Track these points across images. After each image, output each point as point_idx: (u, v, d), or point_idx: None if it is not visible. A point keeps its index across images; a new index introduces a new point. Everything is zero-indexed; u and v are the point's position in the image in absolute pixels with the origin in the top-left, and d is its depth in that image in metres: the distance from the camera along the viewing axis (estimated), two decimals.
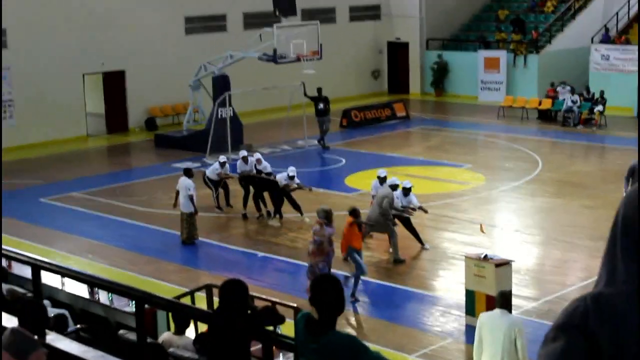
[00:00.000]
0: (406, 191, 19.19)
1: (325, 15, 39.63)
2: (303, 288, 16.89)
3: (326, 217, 15.89)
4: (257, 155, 22.78)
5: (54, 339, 7.45)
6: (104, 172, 28.67)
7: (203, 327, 9.77)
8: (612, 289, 2.72)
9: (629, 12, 39.11)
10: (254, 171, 22.42)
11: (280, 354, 10.37)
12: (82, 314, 10.60)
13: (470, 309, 14.91)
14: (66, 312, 9.78)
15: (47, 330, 7.29)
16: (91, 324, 10.13)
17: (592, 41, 37.67)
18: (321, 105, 30.45)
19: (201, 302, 12.99)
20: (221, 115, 29.65)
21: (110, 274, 17.15)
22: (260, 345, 7.14)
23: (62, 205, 23.90)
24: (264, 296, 13.00)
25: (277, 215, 21.74)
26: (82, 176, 27.50)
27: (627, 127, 33.05)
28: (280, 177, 21.58)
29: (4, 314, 7.36)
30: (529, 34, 39.97)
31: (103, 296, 11.89)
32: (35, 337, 6.65)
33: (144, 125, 35.34)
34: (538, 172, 26.29)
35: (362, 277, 16.85)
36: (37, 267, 8.75)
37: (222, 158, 23.35)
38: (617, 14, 38.76)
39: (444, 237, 20.00)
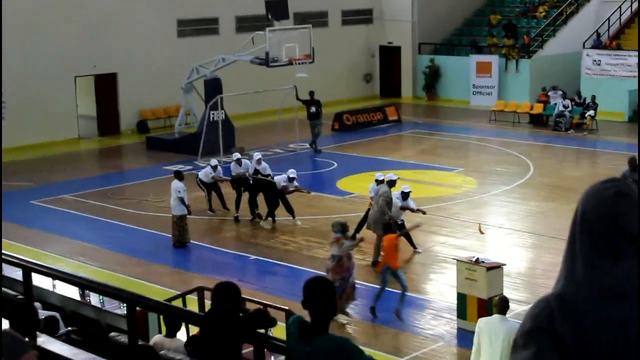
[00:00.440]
0: (405, 195, 19.19)
1: (318, 19, 39.65)
2: (295, 291, 16.89)
3: (342, 230, 15.50)
4: (258, 155, 22.53)
5: (45, 341, 7.44)
6: (95, 174, 28.63)
7: (194, 330, 9.76)
8: (572, 286, 2.72)
9: (620, 17, 39.22)
10: (250, 171, 22.21)
11: (272, 357, 10.35)
12: (73, 316, 10.57)
13: (462, 313, 14.93)
14: (57, 315, 9.75)
15: (38, 333, 7.27)
16: (82, 327, 10.11)
17: (583, 46, 37.76)
18: (313, 109, 30.46)
19: (192, 305, 12.98)
20: (213, 118, 29.64)
21: (101, 276, 17.11)
22: (251, 348, 7.13)
23: (54, 208, 23.85)
24: (255, 299, 12.99)
25: (270, 218, 21.70)
26: (73, 178, 27.46)
27: (618, 132, 33.13)
28: (279, 179, 21.47)
29: None
30: (520, 38, 40.04)
31: (94, 298, 11.88)
32: (26, 339, 6.63)
33: (136, 127, 35.31)
34: (529, 176, 26.34)
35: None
36: (28, 270, 8.72)
37: (214, 162, 23.32)
38: (608, 19, 38.87)
39: (436, 241, 20.01)
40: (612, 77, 36.24)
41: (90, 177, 27.84)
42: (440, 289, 17.19)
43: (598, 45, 37.65)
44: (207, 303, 11.59)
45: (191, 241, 20.31)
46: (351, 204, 23.48)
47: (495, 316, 11.10)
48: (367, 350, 5.28)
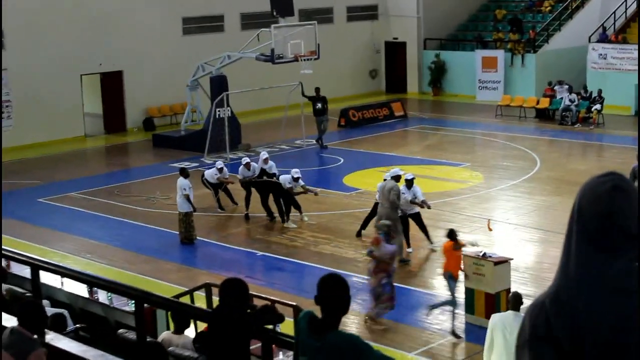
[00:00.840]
0: (409, 183, 19.10)
1: (323, 16, 39.64)
2: (302, 287, 16.91)
3: (388, 233, 15.14)
4: (265, 155, 22.43)
5: (54, 339, 7.46)
6: (101, 172, 28.67)
7: (202, 327, 9.77)
8: (567, 281, 2.71)
9: (626, 11, 39.13)
10: (257, 171, 22.12)
11: (280, 353, 10.37)
12: (81, 313, 10.59)
13: (470, 308, 14.93)
14: (65, 312, 9.77)
15: (46, 330, 7.29)
16: (91, 324, 10.13)
17: (589, 40, 37.69)
18: (319, 105, 30.45)
19: (200, 301, 13.00)
20: (219, 115, 29.66)
21: (109, 274, 17.14)
22: (259, 344, 7.14)
23: (60, 205, 23.89)
24: (263, 295, 13.00)
25: (300, 214, 21.49)
26: (80, 176, 27.50)
27: (624, 126, 33.07)
28: (284, 180, 21.32)
29: (3, 314, 7.36)
30: (526, 33, 39.97)
31: (102, 296, 11.91)
32: (35, 336, 6.65)
33: (142, 125, 35.35)
34: (536, 171, 26.30)
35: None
36: (36, 267, 8.75)
37: (219, 164, 23.09)
38: (614, 13, 38.78)
39: (443, 236, 19.96)
40: (618, 71, 36.15)
41: (96, 175, 27.88)
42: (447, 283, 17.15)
43: (604, 39, 37.57)
44: (215, 299, 11.61)
45: (198, 238, 20.33)
46: (358, 200, 23.48)
47: (509, 312, 11.08)
48: (376, 346, 5.29)
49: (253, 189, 22.08)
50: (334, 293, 5.22)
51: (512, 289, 14.69)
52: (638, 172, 18.72)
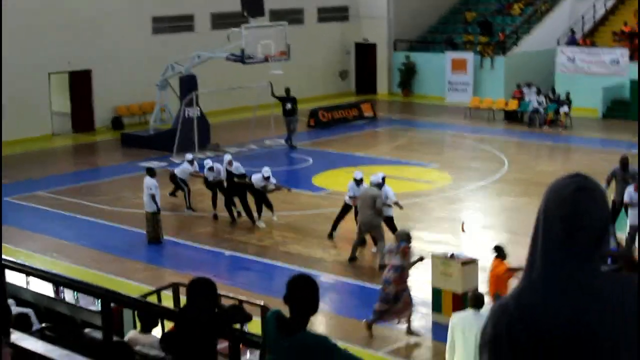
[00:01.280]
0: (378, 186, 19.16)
1: (294, 16, 39.63)
2: (270, 287, 16.89)
3: (408, 239, 14.84)
4: (228, 157, 21.94)
5: (19, 338, 7.39)
6: (69, 171, 28.51)
7: (170, 326, 9.73)
8: (530, 282, 2.71)
9: (594, 15, 39.46)
10: (223, 174, 21.79)
11: (248, 352, 10.35)
12: (47, 312, 10.51)
13: (437, 307, 15.00)
14: (30, 311, 9.70)
15: (11, 330, 7.23)
16: (56, 323, 10.05)
17: (558, 43, 37.97)
18: (289, 105, 30.44)
19: (167, 301, 12.94)
20: (188, 114, 29.58)
21: (75, 273, 17.03)
22: (227, 344, 7.13)
23: (28, 205, 23.71)
24: (231, 294, 12.96)
25: (272, 213, 21.45)
26: (47, 175, 27.32)
27: (592, 128, 33.36)
28: (256, 179, 21.18)
29: None
30: (496, 35, 40.21)
31: (68, 295, 11.82)
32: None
33: (111, 124, 35.17)
34: (504, 172, 26.45)
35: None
36: (1, 266, 8.67)
37: (189, 156, 23.18)
38: (582, 16, 39.10)
39: (412, 236, 19.99)
40: (587, 74, 36.43)
41: (64, 174, 27.71)
42: (415, 283, 17.20)
43: (572, 42, 37.86)
44: (182, 299, 11.56)
45: (166, 237, 20.25)
46: (327, 200, 23.50)
47: (469, 311, 11.12)
48: (343, 345, 5.29)
49: (217, 189, 21.97)
50: (303, 293, 5.22)
51: (480, 290, 14.76)
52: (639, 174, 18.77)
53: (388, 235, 18.76)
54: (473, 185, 25.07)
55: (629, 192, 18.03)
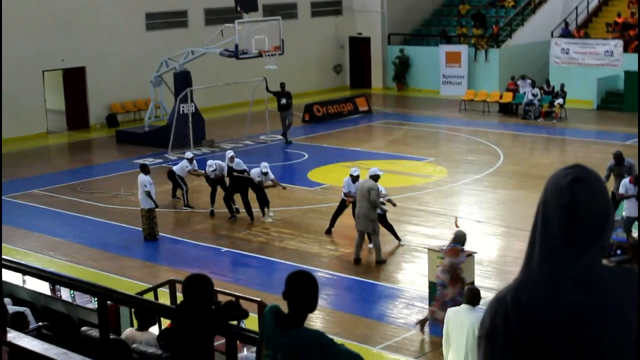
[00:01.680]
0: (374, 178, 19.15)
1: (287, 11, 39.59)
2: (267, 282, 16.91)
3: (463, 243, 14.43)
4: (230, 153, 21.98)
5: (15, 337, 7.38)
6: (65, 169, 28.48)
7: (167, 323, 9.73)
8: (528, 274, 2.70)
9: (588, 6, 39.47)
10: (225, 170, 21.81)
11: (245, 349, 10.35)
12: (43, 311, 10.51)
13: (434, 301, 14.96)
14: (26, 310, 9.70)
15: (7, 329, 7.22)
16: (53, 321, 10.05)
17: (552, 35, 37.98)
18: (284, 101, 30.42)
19: (164, 298, 12.94)
20: (183, 111, 29.54)
21: (72, 271, 17.03)
22: (224, 340, 7.12)
23: (23, 203, 23.68)
24: (227, 291, 12.95)
25: (267, 210, 21.42)
26: (42, 173, 27.30)
27: (587, 120, 33.38)
28: (254, 174, 21.20)
29: None
30: (489, 28, 40.20)
31: (65, 293, 11.81)
32: None
33: (105, 121, 35.14)
34: (499, 165, 26.46)
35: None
36: None
37: (189, 154, 23.14)
38: (576, 8, 39.10)
39: (407, 230, 20.04)
40: (581, 66, 36.46)
41: (59, 172, 27.69)
42: (411, 278, 17.25)
43: (566, 34, 37.87)
44: (179, 296, 11.56)
45: (163, 234, 20.25)
46: (322, 195, 23.50)
47: (463, 306, 11.12)
48: (340, 340, 5.30)
49: (218, 186, 21.98)
50: (302, 290, 5.22)
51: (476, 283, 14.78)
52: (639, 166, 18.75)
53: (384, 233, 18.79)
54: (468, 178, 25.08)
55: (624, 183, 18.08)
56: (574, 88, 34.55)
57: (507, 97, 35.74)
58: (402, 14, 42.59)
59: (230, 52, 29.59)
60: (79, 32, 33.87)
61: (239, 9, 30.86)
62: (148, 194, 19.70)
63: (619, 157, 19.35)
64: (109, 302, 7.89)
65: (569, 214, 2.63)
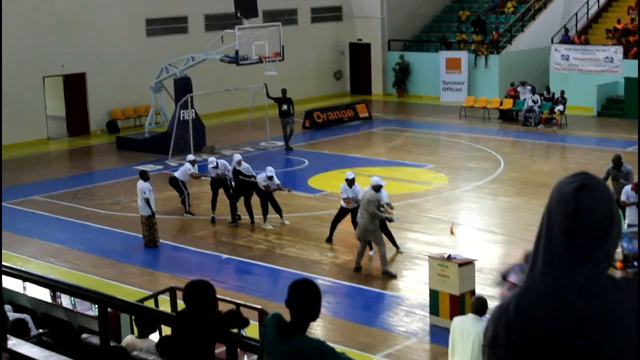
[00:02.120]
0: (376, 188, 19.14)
1: (287, 17, 39.63)
2: (267, 290, 16.88)
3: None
4: (238, 157, 22.01)
5: (16, 344, 7.37)
6: (65, 175, 28.46)
7: (167, 330, 9.71)
8: (532, 282, 2.69)
9: (587, 12, 39.49)
10: (227, 172, 21.89)
11: (245, 356, 10.33)
12: (44, 318, 10.50)
13: (434, 309, 14.96)
14: (27, 317, 9.68)
15: (8, 336, 7.21)
16: (54, 328, 10.04)
17: (552, 41, 37.99)
18: (284, 107, 30.40)
19: (164, 305, 12.93)
20: (183, 117, 29.54)
21: (72, 278, 17.01)
22: (224, 348, 7.11)
23: (23, 209, 23.67)
24: (228, 298, 12.94)
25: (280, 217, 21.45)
26: (43, 179, 27.29)
27: (587, 127, 33.37)
28: (260, 179, 21.19)
29: None
30: (489, 34, 40.22)
31: (65, 300, 11.80)
32: None
33: (106, 127, 35.14)
34: (500, 172, 26.45)
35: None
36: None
37: (191, 157, 23.11)
38: (576, 14, 39.12)
39: (408, 237, 20.02)
40: (581, 72, 36.47)
41: (60, 178, 27.68)
42: (412, 285, 17.22)
43: (566, 40, 37.89)
44: (180, 303, 11.54)
45: (164, 241, 20.22)
46: (323, 202, 23.49)
47: (469, 315, 11.10)
48: (340, 348, 5.28)
49: (220, 191, 21.97)
50: (305, 298, 5.21)
51: (477, 291, 14.77)
52: (638, 173, 18.75)
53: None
54: (469, 185, 25.07)
55: (626, 190, 18.07)
56: (574, 94, 34.55)
57: (508, 104, 35.74)
58: (402, 20, 42.63)
59: (230, 58, 29.60)
60: (80, 37, 33.89)
61: (239, 14, 30.88)
62: (147, 201, 19.68)
63: (617, 161, 19.39)
64: (109, 309, 7.88)
65: (572, 221, 2.62)
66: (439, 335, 14.10)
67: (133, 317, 10.27)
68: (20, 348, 7.32)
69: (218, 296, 10.83)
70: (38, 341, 8.88)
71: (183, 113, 29.60)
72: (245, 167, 21.66)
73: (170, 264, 19.34)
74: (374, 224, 17.73)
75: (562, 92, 34.04)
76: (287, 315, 5.24)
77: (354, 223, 19.33)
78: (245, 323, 6.88)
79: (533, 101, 34.17)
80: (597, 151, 28.62)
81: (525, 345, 2.61)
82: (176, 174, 22.69)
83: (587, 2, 39.33)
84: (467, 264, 14.93)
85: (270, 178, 21.08)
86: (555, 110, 33.66)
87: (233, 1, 30.93)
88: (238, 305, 11.79)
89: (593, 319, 2.56)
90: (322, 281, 17.07)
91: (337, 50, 43.44)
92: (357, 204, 18.99)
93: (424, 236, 20.22)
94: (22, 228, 21.90)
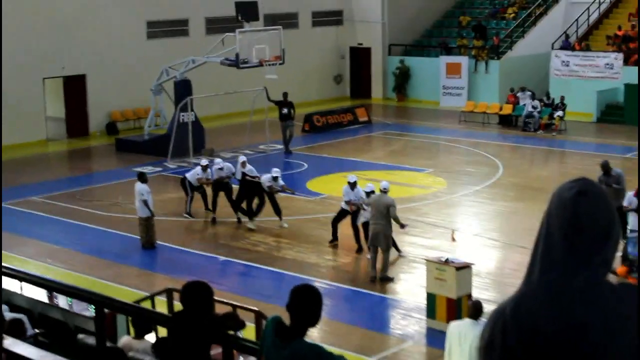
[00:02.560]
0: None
1: (288, 21, 39.64)
2: (265, 292, 16.89)
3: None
4: (243, 158, 22.24)
5: (12, 344, 7.37)
6: (64, 176, 28.46)
7: (164, 332, 9.72)
8: (528, 287, 2.69)
9: (588, 18, 39.53)
10: (238, 175, 21.86)
11: (241, 357, 10.33)
12: (40, 318, 10.49)
13: (431, 312, 14.98)
14: (24, 317, 9.68)
15: (4, 335, 7.21)
16: (50, 329, 10.04)
17: (552, 47, 38.02)
18: (285, 110, 30.40)
19: (161, 306, 12.92)
20: (183, 119, 29.54)
21: (69, 278, 17.01)
22: (220, 349, 7.11)
23: (22, 210, 23.67)
24: (225, 300, 12.94)
25: (254, 218, 21.46)
26: (42, 180, 27.28)
27: (586, 133, 33.39)
28: (264, 179, 21.29)
29: None
30: (490, 40, 40.23)
31: (62, 300, 11.79)
32: None
33: (105, 129, 35.14)
34: (499, 177, 26.46)
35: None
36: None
37: (204, 161, 23.03)
38: (577, 20, 39.16)
39: (405, 241, 20.01)
40: (581, 78, 36.50)
41: (59, 179, 27.67)
42: (410, 288, 17.22)
43: (567, 46, 37.91)
44: (177, 304, 11.55)
45: (161, 242, 20.22)
46: (321, 205, 23.49)
47: (466, 320, 11.13)
48: (337, 350, 5.29)
49: (221, 193, 22.05)
50: (306, 303, 5.22)
51: (474, 295, 14.78)
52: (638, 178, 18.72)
53: None
54: (467, 190, 25.08)
55: (629, 196, 18.10)
56: (574, 100, 34.57)
57: (507, 109, 35.76)
58: (402, 24, 42.65)
59: (231, 61, 29.61)
60: (80, 39, 33.90)
61: (240, 18, 30.89)
62: (145, 202, 19.68)
63: (605, 167, 19.49)
64: (106, 309, 7.89)
65: (571, 225, 2.61)
66: (436, 339, 14.10)
67: (129, 318, 10.27)
68: (17, 348, 7.31)
69: (215, 298, 10.83)
70: (34, 341, 8.88)
71: (183, 115, 29.61)
72: (249, 168, 21.84)
73: (168, 266, 19.34)
74: (391, 229, 17.57)
75: (562, 98, 34.06)
76: (286, 319, 5.25)
77: (354, 226, 19.34)
78: (242, 325, 6.89)
79: (533, 107, 34.19)
80: (596, 157, 28.52)
81: (521, 349, 2.60)
82: (187, 175, 22.64)
83: (588, 9, 39.37)
84: (464, 268, 14.94)
85: (275, 179, 21.13)
86: (555, 116, 33.68)
87: (234, 4, 30.96)
88: (235, 307, 11.81)
89: (590, 325, 2.55)
90: (319, 284, 17.07)
91: (337, 54, 43.47)
92: (358, 208, 19.03)
93: (421, 240, 20.22)
94: (20, 228, 21.90)
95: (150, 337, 9.83)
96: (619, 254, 16.54)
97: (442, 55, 40.75)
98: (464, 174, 27.15)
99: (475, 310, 11.09)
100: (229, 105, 36.10)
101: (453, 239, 19.63)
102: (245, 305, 12.65)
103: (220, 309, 9.63)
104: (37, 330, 9.66)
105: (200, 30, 37.69)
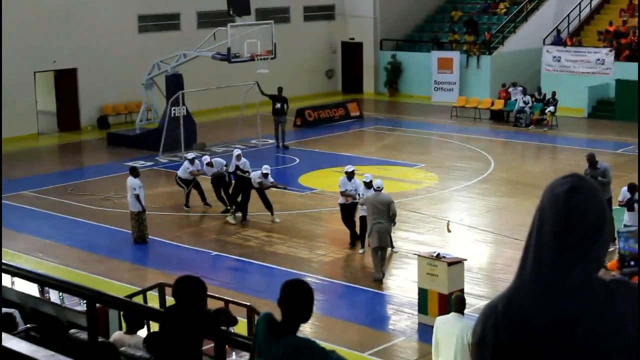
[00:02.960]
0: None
1: (280, 15, 39.59)
2: (256, 287, 16.88)
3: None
4: (237, 151, 22.36)
5: (3, 339, 7.35)
6: (55, 170, 28.40)
7: (155, 327, 9.71)
8: (520, 282, 2.69)
9: (580, 14, 39.56)
10: (232, 168, 21.95)
11: (233, 353, 10.34)
12: (32, 313, 10.47)
13: (423, 308, 14.99)
14: (15, 312, 9.66)
15: None
16: (42, 324, 10.02)
17: (544, 43, 38.05)
18: (278, 105, 30.39)
19: (153, 301, 12.92)
20: (174, 114, 29.51)
21: (61, 273, 16.99)
22: (212, 344, 7.11)
23: (13, 204, 23.61)
24: (216, 295, 12.93)
25: (239, 214, 21.48)
26: (33, 175, 27.22)
27: (578, 128, 33.45)
28: (254, 176, 21.30)
29: None
30: (481, 35, 40.26)
31: (54, 295, 11.78)
32: None
33: (97, 123, 35.07)
34: (490, 172, 26.49)
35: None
36: None
37: (190, 155, 23.08)
38: (568, 16, 39.19)
39: (397, 236, 20.00)
40: (572, 74, 36.55)
41: (50, 174, 27.62)
42: (401, 284, 17.25)
43: (558, 41, 37.95)
44: (169, 299, 11.54)
45: (153, 237, 20.20)
46: (313, 200, 23.49)
47: (451, 314, 11.17)
48: (329, 346, 5.28)
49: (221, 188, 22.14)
50: (297, 299, 5.21)
51: (466, 290, 14.81)
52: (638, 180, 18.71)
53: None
54: (459, 185, 25.10)
55: (623, 191, 18.22)
56: (565, 96, 34.61)
57: (499, 104, 35.80)
58: (394, 19, 42.64)
59: (222, 55, 29.58)
60: (71, 33, 33.81)
61: (231, 12, 30.85)
62: (137, 197, 19.66)
63: (592, 160, 19.56)
64: (97, 304, 7.88)
65: (563, 222, 2.61)
66: (427, 334, 14.07)
67: (121, 312, 10.26)
68: (8, 343, 7.29)
69: (207, 293, 10.82)
70: (26, 336, 8.86)
71: (174, 110, 29.57)
72: (243, 161, 21.88)
73: (159, 260, 19.33)
74: (391, 226, 17.54)
75: (554, 94, 34.09)
76: (278, 315, 5.24)
77: (350, 222, 19.31)
78: (234, 322, 6.87)
79: (524, 102, 34.22)
80: (587, 152, 28.64)
81: (512, 345, 2.60)
82: (178, 172, 22.68)
83: (579, 4, 39.41)
84: (456, 263, 14.96)
85: (265, 175, 21.10)
86: (546, 111, 33.72)
87: None
88: (227, 302, 11.81)
89: (581, 320, 2.55)
90: (311, 279, 17.08)
91: (329, 48, 43.44)
92: (355, 200, 19.00)
93: (413, 235, 20.24)
94: (12, 223, 21.82)
95: (142, 332, 9.83)
96: (611, 249, 16.55)
97: (434, 50, 40.76)
98: (455, 169, 27.18)
99: (459, 304, 11.14)
100: (220, 99, 36.04)
101: (448, 230, 19.63)
102: (237, 300, 12.66)
103: (212, 304, 9.63)
104: (28, 325, 9.63)
105: (191, 25, 37.63)
